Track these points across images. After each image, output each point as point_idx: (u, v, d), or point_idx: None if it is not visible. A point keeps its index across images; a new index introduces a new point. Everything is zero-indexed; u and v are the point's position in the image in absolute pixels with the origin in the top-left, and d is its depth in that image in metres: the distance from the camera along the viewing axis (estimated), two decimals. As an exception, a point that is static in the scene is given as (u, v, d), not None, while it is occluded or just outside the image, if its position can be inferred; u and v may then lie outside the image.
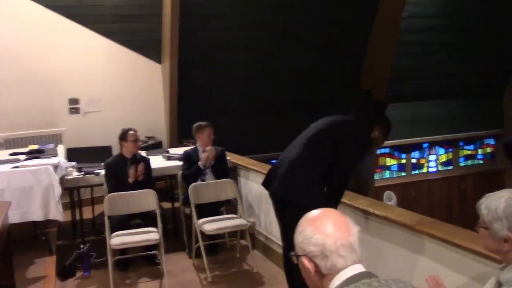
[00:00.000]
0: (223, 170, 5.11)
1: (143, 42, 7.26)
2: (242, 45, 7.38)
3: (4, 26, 6.50)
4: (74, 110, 6.75)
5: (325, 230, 1.44)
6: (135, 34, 7.13)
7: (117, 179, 4.76)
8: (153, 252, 4.62)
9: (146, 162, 4.98)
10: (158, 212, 4.44)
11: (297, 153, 3.20)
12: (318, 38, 7.65)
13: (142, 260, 4.82)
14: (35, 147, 5.60)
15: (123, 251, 4.58)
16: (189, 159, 5.07)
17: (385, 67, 8.10)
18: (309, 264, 1.44)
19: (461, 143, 10.12)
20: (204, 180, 4.94)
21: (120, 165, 4.83)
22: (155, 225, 4.41)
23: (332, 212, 1.51)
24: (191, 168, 4.98)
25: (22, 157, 5.24)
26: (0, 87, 6.49)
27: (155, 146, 6.68)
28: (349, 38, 7.95)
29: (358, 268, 1.43)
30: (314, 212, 1.51)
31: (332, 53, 7.91)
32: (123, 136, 4.86)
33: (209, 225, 4.49)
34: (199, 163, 4.95)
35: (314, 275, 1.45)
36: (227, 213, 4.96)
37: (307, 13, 7.41)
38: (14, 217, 4.40)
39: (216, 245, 5.05)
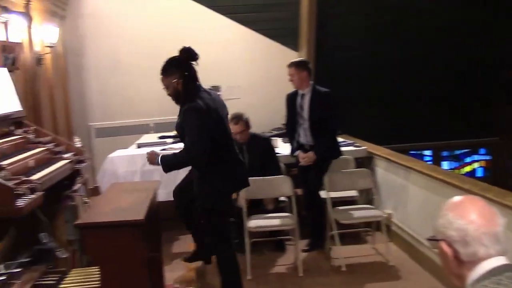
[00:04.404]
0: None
1: (281, 31, 7.37)
2: (378, 31, 7.22)
3: (148, 17, 7.02)
4: (212, 96, 7.06)
5: (468, 216, 1.40)
6: (273, 22, 7.26)
7: None
8: (287, 237, 4.71)
9: (265, 142, 4.91)
10: (293, 198, 4.50)
11: None
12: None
13: (275, 244, 4.92)
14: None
15: (258, 234, 4.71)
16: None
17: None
18: (448, 249, 1.42)
19: None
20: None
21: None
22: (286, 211, 4.49)
23: (477, 200, 1.47)
24: None
25: (169, 140, 5.64)
26: (150, 74, 6.93)
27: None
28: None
29: (502, 260, 1.37)
30: (458, 198, 1.49)
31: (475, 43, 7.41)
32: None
33: (345, 214, 4.45)
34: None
35: (452, 261, 1.42)
36: (362, 204, 4.88)
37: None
38: (162, 196, 4.75)
39: (350, 235, 4.98)
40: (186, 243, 4.90)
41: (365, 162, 5.32)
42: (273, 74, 7.31)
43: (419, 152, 8.17)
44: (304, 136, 4.58)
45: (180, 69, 3.40)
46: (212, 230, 3.59)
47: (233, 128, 4.64)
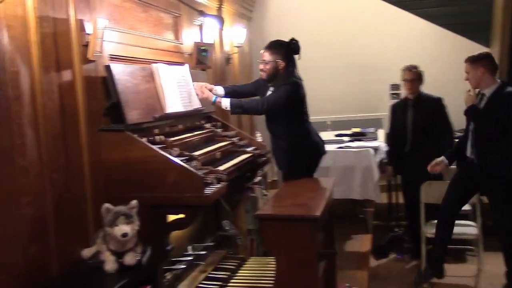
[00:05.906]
0: None
1: (469, 25, 6.86)
2: None
3: (328, 16, 7.09)
4: (395, 96, 6.85)
5: None
6: (460, 17, 6.79)
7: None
8: (469, 247, 4.38)
9: (436, 101, 4.61)
10: (477, 206, 4.16)
11: None
12: None
13: (455, 253, 4.61)
14: (357, 130, 5.96)
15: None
16: None
17: None
18: None
19: None
20: None
21: (401, 108, 4.76)
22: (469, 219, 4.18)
23: None
24: None
25: (346, 138, 5.65)
26: (330, 73, 7.10)
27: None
28: None
29: None
30: None
31: None
32: None
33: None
34: None
35: None
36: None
37: None
38: (337, 193, 4.76)
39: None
40: (359, 243, 4.86)
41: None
42: (460, 71, 6.84)
43: None
44: (469, 145, 3.86)
45: (287, 52, 3.79)
46: None
47: (406, 74, 4.66)
